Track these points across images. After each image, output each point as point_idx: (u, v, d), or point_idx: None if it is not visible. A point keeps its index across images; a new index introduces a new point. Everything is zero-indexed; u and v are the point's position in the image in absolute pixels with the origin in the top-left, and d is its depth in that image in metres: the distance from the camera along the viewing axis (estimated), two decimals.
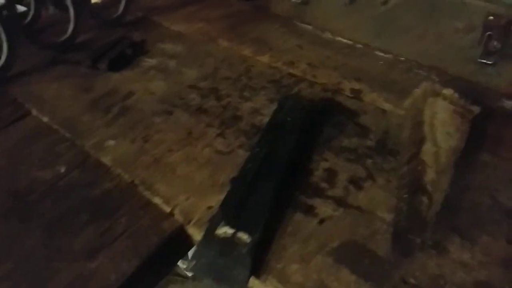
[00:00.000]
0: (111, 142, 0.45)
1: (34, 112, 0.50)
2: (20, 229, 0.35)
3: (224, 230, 0.33)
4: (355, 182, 0.41)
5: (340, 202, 0.38)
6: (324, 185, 0.40)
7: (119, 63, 0.58)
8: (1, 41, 0.54)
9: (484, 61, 0.54)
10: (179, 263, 1.03)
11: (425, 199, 0.33)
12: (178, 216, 0.37)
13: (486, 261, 0.33)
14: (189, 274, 1.03)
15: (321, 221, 0.36)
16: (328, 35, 0.71)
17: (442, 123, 0.40)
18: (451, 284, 0.32)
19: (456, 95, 0.42)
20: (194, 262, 0.32)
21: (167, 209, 0.37)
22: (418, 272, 0.32)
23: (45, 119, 0.48)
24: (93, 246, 0.34)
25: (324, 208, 0.38)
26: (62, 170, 0.41)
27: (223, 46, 0.66)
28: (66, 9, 0.68)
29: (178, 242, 0.36)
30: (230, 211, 0.34)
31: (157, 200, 0.38)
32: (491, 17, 0.50)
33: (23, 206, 0.37)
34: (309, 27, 0.73)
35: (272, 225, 0.35)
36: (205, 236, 0.33)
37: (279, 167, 0.38)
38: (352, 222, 0.36)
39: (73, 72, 0.57)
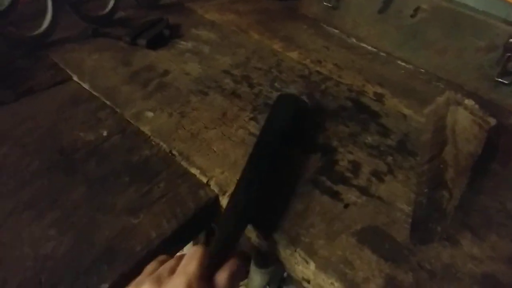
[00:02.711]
0: (150, 114, 0.47)
1: (75, 78, 0.52)
2: (65, 182, 0.37)
3: None
4: (377, 175, 0.44)
5: (363, 191, 0.41)
6: (349, 174, 0.43)
7: (157, 42, 0.61)
8: (46, 6, 0.56)
9: (501, 80, 0.57)
10: None
11: (446, 193, 0.36)
12: (214, 187, 0.39)
13: (493, 256, 0.37)
14: None
15: (346, 206, 0.39)
16: (353, 41, 0.74)
17: (463, 130, 0.43)
18: (462, 273, 0.35)
19: (476, 106, 0.46)
20: None
21: (204, 180, 0.40)
22: (433, 259, 0.36)
23: (86, 85, 0.51)
24: (135, 205, 0.36)
25: (349, 195, 0.40)
26: (105, 133, 0.44)
27: (254, 38, 0.69)
28: None
29: (212, 211, 0.39)
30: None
31: (194, 171, 0.41)
32: None
33: (68, 162, 0.39)
34: (336, 31, 0.77)
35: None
36: None
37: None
38: (374, 209, 0.39)
39: (113, 46, 0.59)
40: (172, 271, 0.27)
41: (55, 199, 0.36)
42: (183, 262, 0.28)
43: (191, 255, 0.28)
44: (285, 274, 1.07)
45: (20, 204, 0.35)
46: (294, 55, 0.65)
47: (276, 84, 0.56)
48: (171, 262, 0.29)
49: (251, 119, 0.49)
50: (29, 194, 0.36)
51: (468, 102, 0.46)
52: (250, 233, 0.38)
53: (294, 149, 0.45)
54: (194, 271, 0.27)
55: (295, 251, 0.34)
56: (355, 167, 0.44)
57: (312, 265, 0.34)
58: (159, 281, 0.26)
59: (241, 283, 1.21)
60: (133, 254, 0.32)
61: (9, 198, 0.35)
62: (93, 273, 0.31)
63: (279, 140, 0.42)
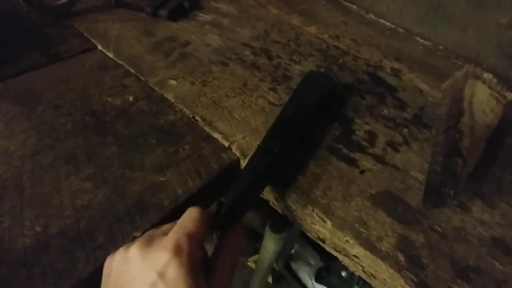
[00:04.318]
0: (173, 82, 0.49)
1: (100, 47, 0.54)
2: (97, 141, 0.40)
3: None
4: (392, 146, 0.45)
5: (378, 159, 0.43)
6: (365, 143, 0.44)
7: (177, 14, 0.62)
8: None
9: None
10: None
11: (460, 161, 0.37)
12: (236, 151, 0.41)
13: (502, 223, 0.38)
14: None
15: (362, 172, 0.41)
16: (371, 16, 0.74)
17: (480, 103, 0.44)
18: (471, 236, 0.36)
19: (495, 80, 0.46)
20: None
21: (226, 144, 0.42)
22: (443, 223, 0.37)
23: (110, 54, 0.52)
24: (162, 164, 0.39)
25: (365, 162, 0.42)
26: (131, 99, 0.45)
27: (273, 12, 0.69)
28: None
29: (234, 173, 0.41)
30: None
31: (216, 135, 0.43)
32: None
33: (99, 123, 0.42)
34: (354, 6, 0.76)
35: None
36: None
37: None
38: (389, 176, 0.41)
39: (134, 17, 0.60)
40: (166, 233, 0.26)
41: (89, 156, 0.38)
42: (178, 223, 0.27)
43: (186, 217, 0.28)
44: (292, 251, 1.11)
45: (58, 159, 0.37)
46: (312, 29, 0.66)
47: (294, 57, 0.57)
48: (168, 225, 0.28)
49: (271, 89, 0.50)
50: (66, 150, 0.38)
51: (487, 76, 0.46)
52: (269, 195, 0.40)
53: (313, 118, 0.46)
54: (186, 232, 0.25)
55: (313, 210, 0.37)
56: (371, 137, 0.46)
57: (328, 224, 0.36)
58: (149, 241, 0.25)
59: (251, 258, 1.25)
60: (162, 208, 0.35)
61: (48, 153, 0.37)
62: (126, 222, 0.33)
63: (305, 116, 0.42)
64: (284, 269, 1.16)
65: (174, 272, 0.23)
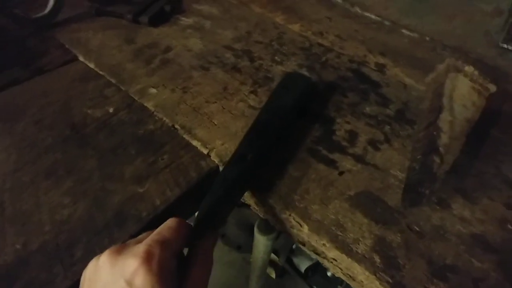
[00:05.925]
0: (153, 90, 0.49)
1: (81, 58, 0.54)
2: (78, 154, 0.40)
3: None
4: (373, 144, 0.45)
5: (358, 159, 0.43)
6: (345, 143, 0.44)
7: (159, 19, 0.61)
8: None
9: (506, 46, 0.56)
10: None
11: (437, 159, 0.37)
12: (214, 158, 0.41)
13: (483, 219, 0.38)
14: None
15: (341, 173, 0.41)
16: (357, 10, 0.72)
17: (460, 97, 0.43)
18: (450, 234, 0.36)
19: (476, 72, 0.45)
20: None
21: (205, 151, 0.42)
22: (422, 222, 0.37)
23: (92, 65, 0.53)
24: (141, 175, 0.39)
25: (344, 163, 0.42)
26: (111, 110, 0.46)
27: (256, 11, 0.69)
28: None
29: (213, 180, 0.41)
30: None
31: (195, 143, 0.43)
32: None
33: (79, 136, 0.42)
34: (339, 0, 0.75)
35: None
36: None
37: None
38: (368, 176, 0.41)
39: (116, 24, 0.61)
40: (140, 241, 0.25)
41: (69, 170, 0.39)
42: (154, 231, 0.26)
43: (163, 226, 0.27)
44: (293, 246, 1.12)
45: (38, 174, 0.38)
46: (295, 27, 0.65)
47: (276, 58, 0.57)
48: (144, 234, 0.27)
49: (251, 92, 0.50)
50: (46, 165, 0.39)
51: (468, 69, 0.45)
52: (249, 200, 0.40)
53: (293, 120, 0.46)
54: (159, 240, 0.25)
55: (290, 215, 0.37)
56: (352, 136, 0.45)
57: (305, 228, 0.36)
58: (120, 249, 0.24)
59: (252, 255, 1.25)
60: (140, 219, 0.35)
61: (28, 170, 0.38)
62: (104, 235, 0.34)
63: (281, 119, 0.42)
64: (286, 263, 1.17)
65: (143, 280, 0.22)
